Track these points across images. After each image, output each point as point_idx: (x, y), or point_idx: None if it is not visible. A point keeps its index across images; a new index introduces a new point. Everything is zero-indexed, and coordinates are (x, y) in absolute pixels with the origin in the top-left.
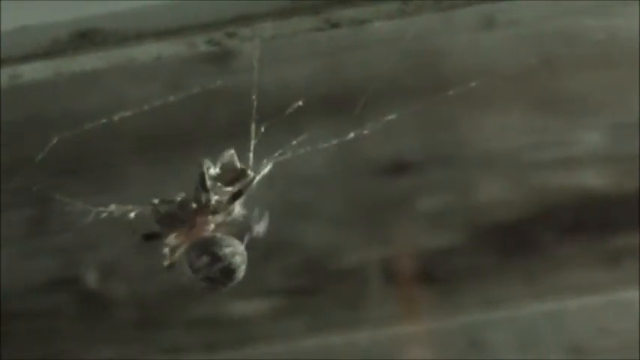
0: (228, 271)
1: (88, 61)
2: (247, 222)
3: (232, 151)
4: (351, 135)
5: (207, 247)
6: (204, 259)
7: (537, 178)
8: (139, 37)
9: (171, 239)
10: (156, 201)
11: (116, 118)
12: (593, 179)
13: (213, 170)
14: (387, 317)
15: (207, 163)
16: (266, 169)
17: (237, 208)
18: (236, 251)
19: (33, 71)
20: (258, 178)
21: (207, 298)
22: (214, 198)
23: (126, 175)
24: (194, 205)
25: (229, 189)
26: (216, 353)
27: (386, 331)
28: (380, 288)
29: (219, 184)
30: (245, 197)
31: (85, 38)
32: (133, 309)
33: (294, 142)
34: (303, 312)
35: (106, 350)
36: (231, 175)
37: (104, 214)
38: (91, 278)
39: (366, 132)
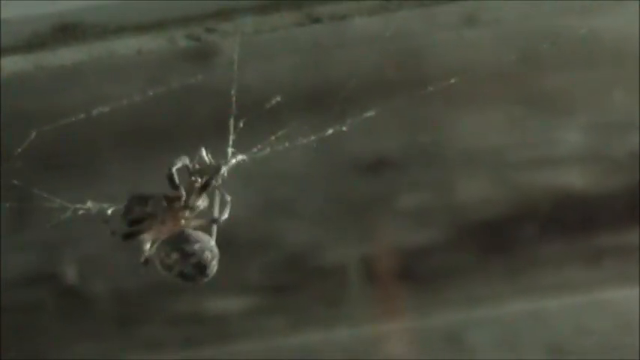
0: (200, 267)
1: (69, 54)
2: (211, 210)
3: (203, 150)
4: (330, 131)
5: (177, 244)
6: (174, 256)
7: (519, 176)
8: (120, 30)
9: (147, 236)
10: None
11: (95, 113)
12: (575, 178)
13: (185, 165)
14: (368, 315)
15: (176, 160)
16: (233, 160)
17: (204, 199)
18: (205, 247)
19: (13, 64)
20: (225, 169)
21: (188, 294)
22: (184, 194)
23: (106, 170)
24: (164, 203)
25: (197, 183)
26: (196, 350)
27: (366, 328)
28: (361, 286)
29: (190, 179)
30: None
31: (66, 32)
32: (113, 305)
33: (273, 138)
34: (283, 309)
35: (86, 346)
36: (203, 171)
37: (81, 212)
38: (71, 274)
39: (344, 129)
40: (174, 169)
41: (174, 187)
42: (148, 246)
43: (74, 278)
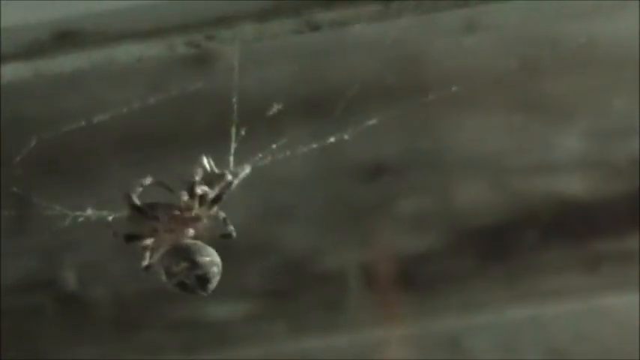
0: (204, 280)
1: (68, 61)
2: (219, 225)
3: (203, 158)
4: (331, 140)
5: (187, 254)
6: (183, 265)
7: (518, 181)
8: (120, 38)
9: (150, 241)
10: (134, 198)
11: (95, 119)
12: (574, 184)
13: (198, 177)
14: (367, 321)
15: (197, 170)
16: (244, 173)
17: (218, 212)
18: (214, 262)
19: (13, 71)
20: (236, 182)
21: (187, 299)
22: (197, 204)
23: (106, 177)
24: (176, 211)
25: (211, 194)
26: (195, 355)
27: (365, 334)
28: (359, 291)
29: (203, 190)
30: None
31: (66, 39)
32: (113, 310)
33: (275, 146)
34: (282, 315)
35: (86, 350)
36: (212, 180)
37: (81, 219)
38: (71, 279)
39: (346, 137)
40: (196, 178)
41: (192, 196)
42: (149, 252)
43: (74, 283)
